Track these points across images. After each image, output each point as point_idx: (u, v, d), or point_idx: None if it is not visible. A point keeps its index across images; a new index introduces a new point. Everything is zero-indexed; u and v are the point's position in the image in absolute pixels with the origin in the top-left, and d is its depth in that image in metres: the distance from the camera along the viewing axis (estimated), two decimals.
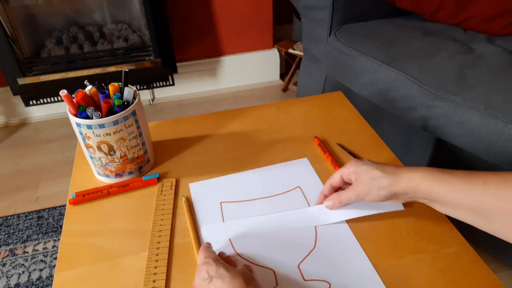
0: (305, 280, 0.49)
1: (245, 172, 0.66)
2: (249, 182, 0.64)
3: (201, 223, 0.58)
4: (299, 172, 0.65)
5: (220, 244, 0.54)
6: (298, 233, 0.56)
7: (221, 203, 0.61)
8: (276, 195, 0.62)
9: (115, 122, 0.57)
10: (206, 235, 0.56)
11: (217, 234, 0.56)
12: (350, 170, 0.53)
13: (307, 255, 0.53)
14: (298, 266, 0.51)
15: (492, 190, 0.42)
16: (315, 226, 0.56)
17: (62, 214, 1.26)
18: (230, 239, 0.55)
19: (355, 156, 0.68)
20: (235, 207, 0.60)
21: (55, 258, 1.13)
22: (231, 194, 0.62)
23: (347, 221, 0.57)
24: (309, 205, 0.60)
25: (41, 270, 1.10)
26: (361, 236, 0.55)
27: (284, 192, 0.62)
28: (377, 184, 0.50)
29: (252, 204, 0.61)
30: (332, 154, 0.69)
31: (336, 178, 0.55)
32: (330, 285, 0.49)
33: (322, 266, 0.51)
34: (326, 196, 0.57)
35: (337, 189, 0.57)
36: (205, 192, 0.63)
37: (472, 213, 0.44)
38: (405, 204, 0.59)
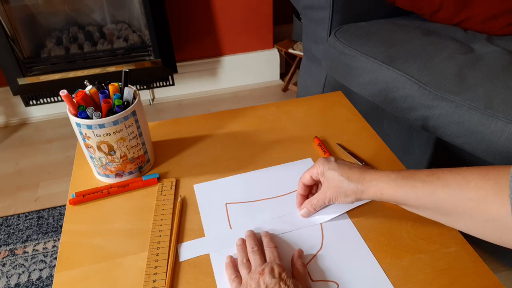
0: (313, 281, 0.49)
1: (250, 172, 0.66)
2: (254, 182, 0.64)
3: (207, 224, 0.58)
4: (302, 172, 0.65)
5: (226, 249, 0.54)
6: (305, 234, 0.56)
7: (226, 204, 0.61)
8: (282, 195, 0.62)
9: (115, 122, 0.57)
10: (212, 240, 0.55)
11: (224, 242, 0.55)
12: (318, 171, 0.54)
13: (314, 256, 0.53)
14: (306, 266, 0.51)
15: (454, 191, 0.43)
16: (321, 227, 0.56)
17: (62, 214, 1.26)
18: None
19: (355, 156, 0.68)
20: (241, 208, 0.60)
21: (55, 258, 1.13)
22: (236, 195, 0.62)
23: (353, 221, 0.57)
24: None
25: (41, 270, 1.10)
26: (361, 236, 0.55)
27: (290, 193, 0.62)
28: (343, 191, 0.51)
29: (257, 205, 0.61)
30: (332, 154, 0.69)
31: (306, 178, 0.56)
32: (338, 285, 0.49)
33: (329, 266, 0.51)
34: (302, 196, 0.58)
35: (311, 187, 0.58)
36: (210, 193, 0.63)
37: (439, 214, 0.46)
38: None
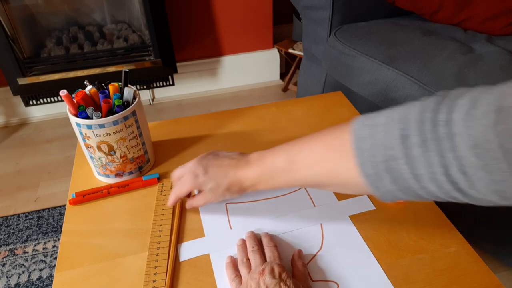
0: (313, 281, 0.49)
1: None
2: None
3: (207, 224, 0.58)
4: None
5: (226, 249, 0.54)
6: (305, 234, 0.56)
7: (226, 204, 0.61)
8: (282, 195, 0.62)
9: (115, 122, 0.57)
10: (212, 240, 0.56)
11: (224, 242, 0.55)
12: (191, 175, 0.54)
13: (314, 256, 0.53)
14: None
15: (309, 173, 0.44)
16: (321, 227, 0.56)
17: (62, 214, 1.26)
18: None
19: None
20: (241, 208, 0.60)
21: (55, 258, 1.13)
22: None
23: (353, 221, 0.57)
24: (314, 205, 0.60)
25: (41, 270, 1.10)
26: (361, 236, 0.55)
27: (289, 193, 0.62)
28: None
29: (257, 205, 0.61)
30: None
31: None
32: (338, 285, 0.49)
33: (329, 266, 0.51)
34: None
35: None
36: None
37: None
38: (405, 204, 0.60)
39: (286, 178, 0.46)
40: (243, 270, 0.49)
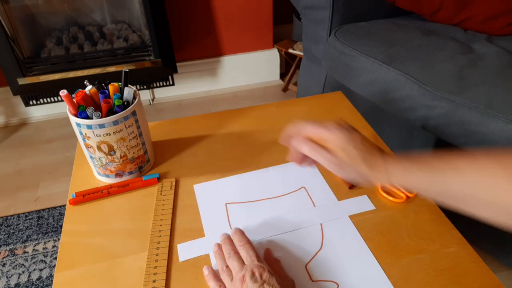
0: (313, 281, 0.49)
1: (250, 172, 0.66)
2: (254, 182, 0.64)
3: (207, 224, 0.58)
4: (304, 173, 0.65)
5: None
6: (305, 234, 0.56)
7: (226, 204, 0.61)
8: (281, 195, 0.62)
9: (115, 122, 0.57)
10: (212, 240, 0.55)
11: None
12: (337, 144, 0.49)
13: (314, 256, 0.53)
14: (306, 267, 0.51)
15: (468, 181, 0.41)
16: (321, 227, 0.56)
17: (62, 214, 1.26)
18: None
19: None
20: (241, 208, 0.60)
21: (55, 258, 1.13)
22: (236, 195, 0.62)
23: (353, 221, 0.57)
24: (314, 205, 0.60)
25: (41, 270, 1.10)
26: (361, 236, 0.55)
27: (289, 193, 0.62)
28: (356, 170, 0.48)
29: (257, 204, 0.61)
30: None
31: (314, 131, 0.51)
32: (338, 285, 0.49)
33: (329, 266, 0.51)
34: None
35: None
36: (210, 193, 0.63)
37: (452, 200, 0.44)
38: (404, 203, 0.60)
39: (436, 179, 0.44)
40: (225, 279, 0.48)
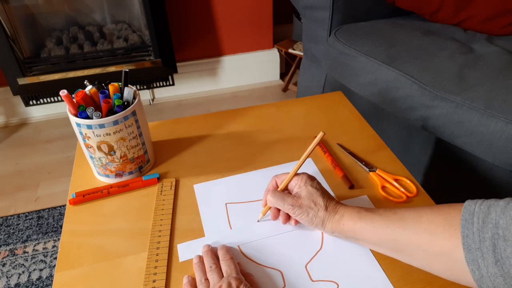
0: (313, 281, 0.49)
1: (250, 172, 0.66)
2: (254, 183, 0.64)
3: (207, 224, 0.58)
4: (303, 172, 0.65)
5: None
6: (305, 234, 0.56)
7: (226, 204, 0.61)
8: None
9: (115, 122, 0.57)
10: (212, 240, 0.55)
11: (224, 241, 0.55)
12: (299, 182, 0.53)
13: (314, 256, 0.53)
14: (306, 266, 0.51)
15: (407, 224, 0.45)
16: None
17: (62, 214, 1.26)
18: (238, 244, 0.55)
19: (355, 156, 0.68)
20: (241, 208, 0.60)
21: (55, 258, 1.13)
22: (236, 195, 0.62)
23: None
24: None
25: (41, 270, 1.10)
26: None
27: None
28: (314, 213, 0.51)
29: (257, 205, 0.61)
30: (332, 154, 0.69)
31: (281, 178, 0.56)
32: (338, 285, 0.49)
33: (329, 266, 0.51)
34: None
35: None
36: (210, 193, 0.63)
37: (394, 250, 0.47)
38: (404, 203, 0.60)
39: (379, 223, 0.48)
40: None
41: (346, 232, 0.50)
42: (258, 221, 0.57)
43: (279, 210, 0.56)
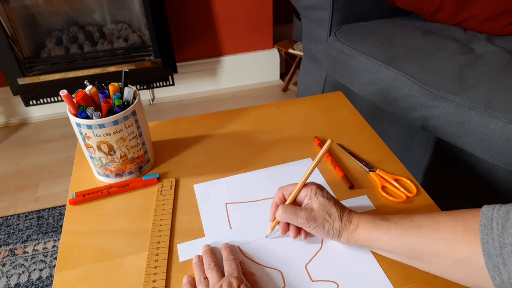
0: (313, 281, 0.49)
1: (250, 172, 0.66)
2: (254, 182, 0.64)
3: (207, 224, 0.58)
4: (304, 173, 0.65)
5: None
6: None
7: (226, 204, 0.61)
8: None
9: (115, 122, 0.57)
10: (212, 240, 0.55)
11: (224, 241, 0.55)
12: (309, 193, 0.51)
13: (314, 256, 0.53)
14: (306, 267, 0.51)
15: (425, 232, 0.44)
16: None
17: (62, 214, 1.26)
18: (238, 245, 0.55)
19: (355, 156, 0.68)
20: (241, 208, 0.60)
21: (55, 258, 1.13)
22: (236, 195, 0.62)
23: None
24: None
25: (41, 270, 1.10)
26: None
27: None
28: (329, 226, 0.50)
29: (257, 204, 0.61)
30: (332, 154, 0.69)
31: (289, 190, 0.53)
32: (338, 285, 0.49)
33: (329, 266, 0.51)
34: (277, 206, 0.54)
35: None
36: (210, 193, 0.63)
37: (411, 257, 0.47)
38: (404, 203, 0.60)
39: (396, 232, 0.47)
40: None
41: (362, 242, 0.49)
42: (266, 236, 0.55)
43: (288, 224, 0.53)
